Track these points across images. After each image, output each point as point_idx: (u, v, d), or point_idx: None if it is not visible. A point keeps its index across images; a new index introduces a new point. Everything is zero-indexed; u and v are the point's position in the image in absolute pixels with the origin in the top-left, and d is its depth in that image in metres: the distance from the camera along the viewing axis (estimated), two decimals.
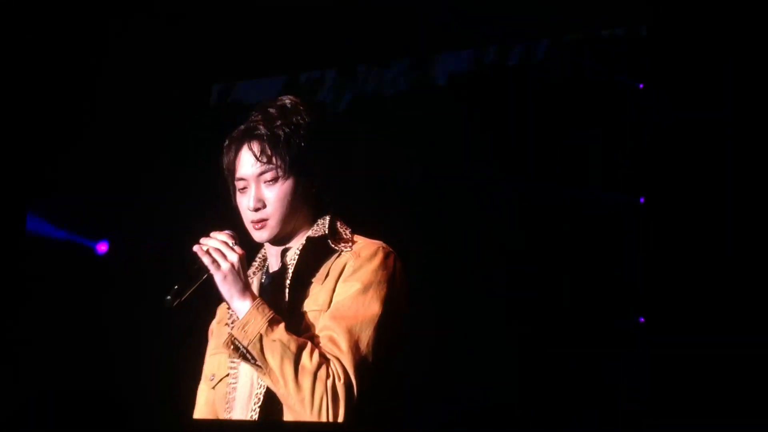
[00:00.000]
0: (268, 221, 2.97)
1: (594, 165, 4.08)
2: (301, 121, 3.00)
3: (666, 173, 4.05)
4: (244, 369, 2.83)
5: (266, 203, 2.97)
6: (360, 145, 3.77)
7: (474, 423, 3.88)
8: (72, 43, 4.03)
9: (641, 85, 4.00)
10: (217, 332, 3.05)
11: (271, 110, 3.01)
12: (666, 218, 4.06)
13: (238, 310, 2.83)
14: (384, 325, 2.78)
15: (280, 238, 2.99)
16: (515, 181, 4.08)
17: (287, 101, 3.05)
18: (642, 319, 4.11)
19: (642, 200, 4.10)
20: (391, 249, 2.96)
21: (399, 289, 2.90)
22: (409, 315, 2.88)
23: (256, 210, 2.97)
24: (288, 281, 2.94)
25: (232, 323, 2.91)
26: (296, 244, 2.99)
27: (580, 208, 4.10)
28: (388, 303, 2.84)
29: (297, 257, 2.96)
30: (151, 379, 3.96)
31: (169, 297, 2.80)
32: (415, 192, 4.04)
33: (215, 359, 2.98)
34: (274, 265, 3.02)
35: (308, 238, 2.97)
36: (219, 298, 2.90)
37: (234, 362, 2.87)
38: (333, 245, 2.95)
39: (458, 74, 4.01)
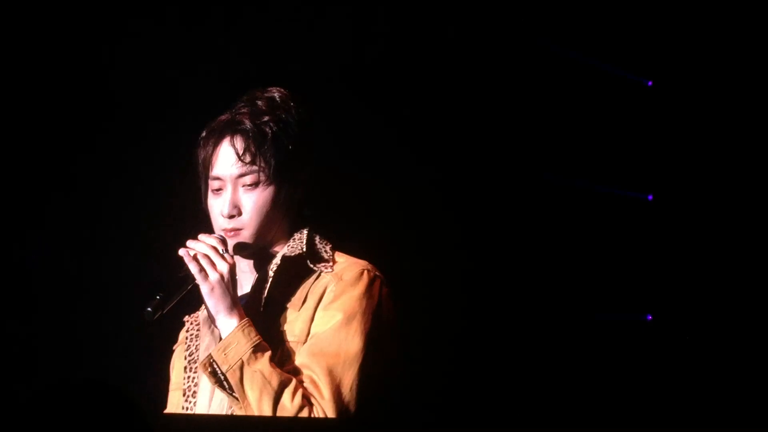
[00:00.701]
0: (243, 231, 2.64)
1: (602, 162, 4.05)
2: (290, 119, 2.68)
3: (674, 170, 4.03)
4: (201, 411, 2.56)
5: (242, 210, 2.64)
6: (352, 148, 3.67)
7: (474, 423, 3.87)
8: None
9: (650, 83, 3.96)
10: (177, 366, 2.74)
11: (259, 102, 2.68)
12: (674, 216, 4.03)
13: (223, 329, 2.53)
14: (368, 363, 2.51)
15: (254, 252, 2.66)
16: (521, 178, 4.04)
17: (276, 94, 2.71)
18: (649, 317, 4.09)
19: (650, 197, 4.07)
20: (377, 271, 2.64)
21: (385, 320, 2.60)
22: (396, 346, 2.56)
23: (231, 217, 2.64)
24: (261, 307, 2.62)
25: (191, 351, 2.64)
26: (270, 263, 2.65)
27: (587, 205, 4.06)
28: (372, 337, 2.54)
29: (271, 279, 2.64)
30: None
31: (149, 309, 2.52)
32: (410, 190, 3.93)
33: (174, 397, 2.70)
34: (244, 286, 2.69)
35: (284, 258, 2.65)
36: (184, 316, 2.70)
37: (188, 403, 2.60)
38: (311, 265, 2.63)
39: (461, 70, 3.96)
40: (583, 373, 3.95)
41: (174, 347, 2.79)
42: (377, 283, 2.62)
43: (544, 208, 4.01)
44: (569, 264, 4.02)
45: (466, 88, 3.96)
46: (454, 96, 3.93)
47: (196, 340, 2.69)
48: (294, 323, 2.60)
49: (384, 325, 2.59)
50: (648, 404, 3.94)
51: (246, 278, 2.71)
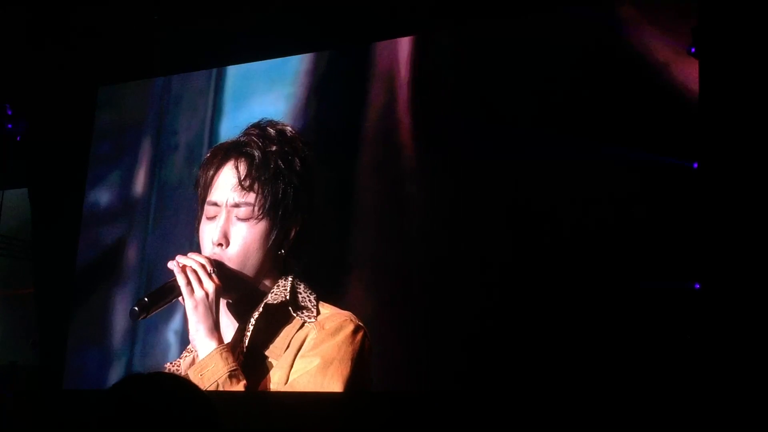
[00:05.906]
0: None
1: (646, 129, 4.01)
2: (296, 158, 2.73)
3: (721, 139, 3.97)
4: None
5: (230, 241, 2.69)
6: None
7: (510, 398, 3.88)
8: None
9: (693, 49, 3.91)
10: None
11: (270, 130, 2.78)
12: (720, 184, 3.98)
13: (200, 349, 2.54)
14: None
15: (236, 295, 2.70)
16: (565, 144, 4.03)
17: (288, 128, 2.82)
18: (697, 286, 4.04)
19: (695, 165, 4.02)
20: (360, 323, 2.72)
21: (363, 370, 2.64)
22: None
23: (219, 245, 2.70)
24: (241, 355, 2.67)
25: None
26: (253, 311, 2.69)
27: (631, 173, 4.03)
28: (350, 384, 2.59)
29: (252, 327, 2.68)
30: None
31: (136, 308, 2.61)
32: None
33: None
34: (226, 335, 2.71)
35: (266, 306, 2.69)
36: None
37: None
38: (294, 314, 2.69)
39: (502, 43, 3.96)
40: (629, 342, 3.93)
41: None
42: (361, 333, 2.69)
43: (588, 176, 4.00)
44: (613, 232, 4.00)
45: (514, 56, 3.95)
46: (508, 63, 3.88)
47: None
48: (274, 372, 2.62)
49: (362, 373, 2.65)
50: (694, 372, 3.89)
51: (227, 327, 2.73)
